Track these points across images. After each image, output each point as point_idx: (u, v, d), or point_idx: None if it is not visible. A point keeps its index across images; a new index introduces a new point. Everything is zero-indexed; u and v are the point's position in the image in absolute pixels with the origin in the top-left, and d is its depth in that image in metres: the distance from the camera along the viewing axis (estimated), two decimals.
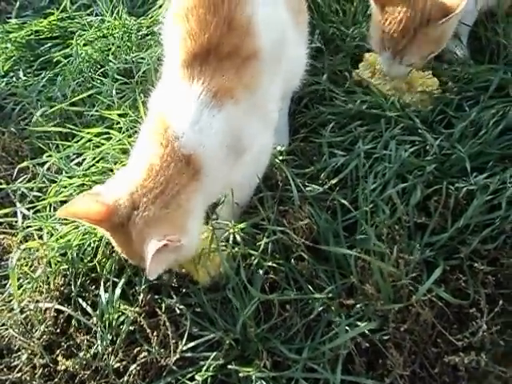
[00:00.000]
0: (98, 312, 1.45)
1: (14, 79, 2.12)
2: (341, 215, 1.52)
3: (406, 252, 1.42)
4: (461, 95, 1.71)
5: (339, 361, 1.31)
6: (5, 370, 1.44)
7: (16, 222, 1.68)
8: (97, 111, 1.80)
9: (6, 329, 1.45)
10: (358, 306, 1.39)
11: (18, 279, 1.54)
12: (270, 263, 1.46)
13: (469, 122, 1.63)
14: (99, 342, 1.40)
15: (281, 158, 1.62)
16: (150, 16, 2.20)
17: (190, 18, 1.35)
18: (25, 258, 1.52)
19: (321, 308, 1.40)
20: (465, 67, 1.81)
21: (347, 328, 1.35)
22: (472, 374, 1.31)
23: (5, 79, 2.13)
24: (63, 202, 1.65)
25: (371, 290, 1.35)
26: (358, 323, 1.36)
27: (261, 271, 1.45)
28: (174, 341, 1.38)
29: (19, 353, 1.45)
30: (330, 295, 1.42)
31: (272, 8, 1.41)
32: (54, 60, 2.12)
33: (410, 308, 1.35)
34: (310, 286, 1.44)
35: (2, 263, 1.62)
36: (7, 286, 1.57)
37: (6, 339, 1.46)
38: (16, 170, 1.78)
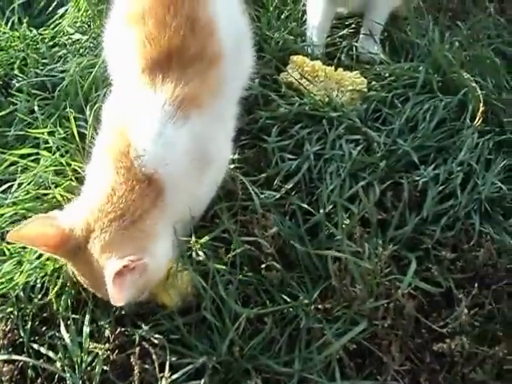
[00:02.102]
0: (60, 355, 1.28)
1: None
2: (301, 219, 1.50)
3: (373, 249, 1.43)
4: (392, 92, 1.76)
5: (335, 367, 1.28)
6: None
7: None
8: (21, 130, 1.59)
9: None
10: (336, 308, 1.38)
11: None
12: (239, 277, 1.40)
13: (405, 119, 1.70)
14: None
15: (232, 166, 1.55)
16: (51, 27, 2.01)
17: (147, 20, 1.24)
18: None
19: (300, 316, 1.37)
20: (388, 66, 1.87)
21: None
22: (457, 359, 1.34)
23: None
24: None
25: (360, 288, 1.33)
26: (340, 327, 1.35)
27: (231, 286, 1.39)
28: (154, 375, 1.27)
29: None
30: (306, 301, 1.39)
31: (229, 3, 1.36)
32: None
33: (389, 304, 1.36)
34: (282, 295, 1.40)
35: None
36: None
37: None
38: None
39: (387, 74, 1.86)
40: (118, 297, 1.11)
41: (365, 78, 1.83)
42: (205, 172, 1.31)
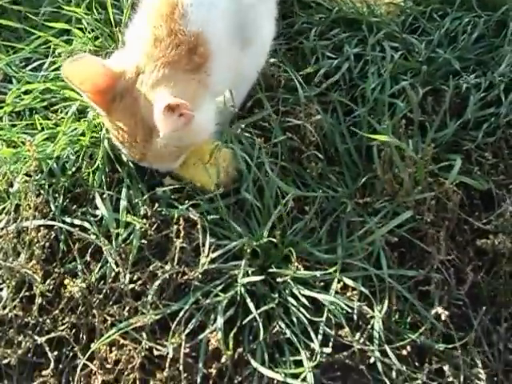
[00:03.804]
0: (95, 228, 1.22)
1: None
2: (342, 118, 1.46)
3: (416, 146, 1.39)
4: (430, 7, 1.73)
5: (380, 254, 1.25)
6: None
7: None
8: (59, 7, 1.50)
9: None
10: (377, 202, 1.34)
11: None
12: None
13: (444, 31, 1.66)
14: (110, 259, 1.17)
15: (272, 60, 1.50)
16: None
17: None
18: None
19: (339, 209, 1.34)
20: None
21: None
22: (499, 257, 1.31)
23: None
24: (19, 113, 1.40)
25: (409, 173, 1.30)
26: (381, 221, 1.31)
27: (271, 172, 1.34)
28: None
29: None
30: (346, 194, 1.36)
31: None
32: None
33: (432, 199, 1.33)
34: (322, 188, 1.36)
35: None
36: None
37: None
38: None
39: None
40: (164, 125, 1.11)
41: None
42: (246, 46, 1.31)
